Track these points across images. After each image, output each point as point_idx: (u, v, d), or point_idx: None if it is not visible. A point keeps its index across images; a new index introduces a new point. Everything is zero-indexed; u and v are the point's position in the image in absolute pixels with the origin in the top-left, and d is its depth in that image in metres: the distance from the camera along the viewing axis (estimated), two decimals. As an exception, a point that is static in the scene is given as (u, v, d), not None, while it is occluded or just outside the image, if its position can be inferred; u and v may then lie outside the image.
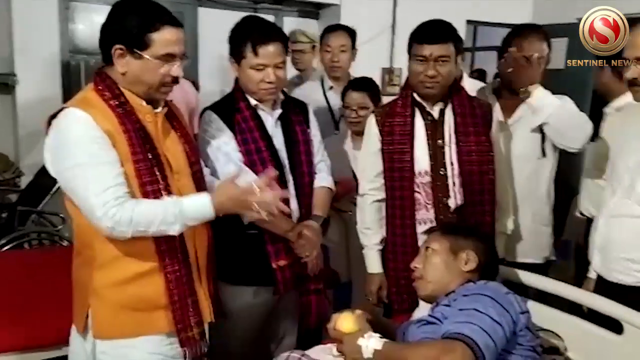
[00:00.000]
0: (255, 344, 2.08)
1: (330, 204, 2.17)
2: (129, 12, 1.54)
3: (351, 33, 3.00)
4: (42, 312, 2.16)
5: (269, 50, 1.88)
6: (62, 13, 3.81)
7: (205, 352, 1.70)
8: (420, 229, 2.01)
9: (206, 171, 1.87)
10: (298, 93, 2.83)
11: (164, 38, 1.52)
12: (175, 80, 1.59)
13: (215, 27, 3.77)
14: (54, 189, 3.37)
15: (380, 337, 1.43)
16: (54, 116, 1.53)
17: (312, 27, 4.67)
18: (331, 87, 2.97)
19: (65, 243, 3.40)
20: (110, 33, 1.54)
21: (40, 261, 2.74)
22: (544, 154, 2.30)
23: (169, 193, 1.56)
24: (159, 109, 1.63)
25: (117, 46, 1.52)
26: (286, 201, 1.93)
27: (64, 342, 2.05)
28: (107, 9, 1.59)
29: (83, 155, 1.47)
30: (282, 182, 1.94)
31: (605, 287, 1.82)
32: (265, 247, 1.96)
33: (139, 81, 1.56)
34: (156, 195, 1.54)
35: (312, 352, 1.61)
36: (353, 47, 3.00)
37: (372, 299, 2.12)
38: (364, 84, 2.62)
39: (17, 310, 2.16)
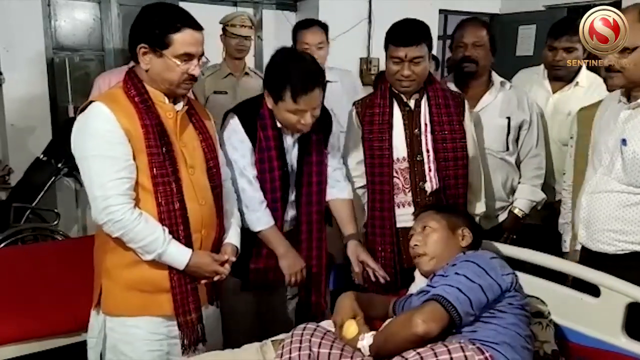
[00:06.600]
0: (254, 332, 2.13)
1: (354, 212, 2.21)
2: (154, 14, 1.66)
3: (325, 28, 2.99)
4: (48, 303, 2.25)
5: (309, 98, 1.87)
6: (44, 10, 3.81)
7: (202, 336, 1.79)
8: (399, 211, 2.18)
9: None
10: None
11: (183, 39, 1.63)
12: (194, 78, 1.70)
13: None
14: (47, 185, 3.43)
15: (372, 335, 1.58)
16: (82, 109, 1.66)
17: (291, 20, 4.76)
18: None
19: (59, 238, 3.47)
20: (136, 33, 1.67)
21: (42, 255, 2.81)
22: (507, 147, 2.47)
23: (178, 186, 1.68)
24: (180, 107, 1.74)
25: (142, 45, 1.65)
26: (283, 212, 2.06)
27: (72, 330, 2.16)
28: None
29: (94, 148, 1.60)
30: (283, 200, 2.05)
31: (589, 257, 1.98)
32: (249, 246, 2.02)
33: (161, 78, 1.68)
34: (165, 187, 1.66)
35: (323, 324, 1.74)
36: (327, 41, 2.98)
37: (358, 279, 2.24)
38: None
39: (24, 302, 2.25)
